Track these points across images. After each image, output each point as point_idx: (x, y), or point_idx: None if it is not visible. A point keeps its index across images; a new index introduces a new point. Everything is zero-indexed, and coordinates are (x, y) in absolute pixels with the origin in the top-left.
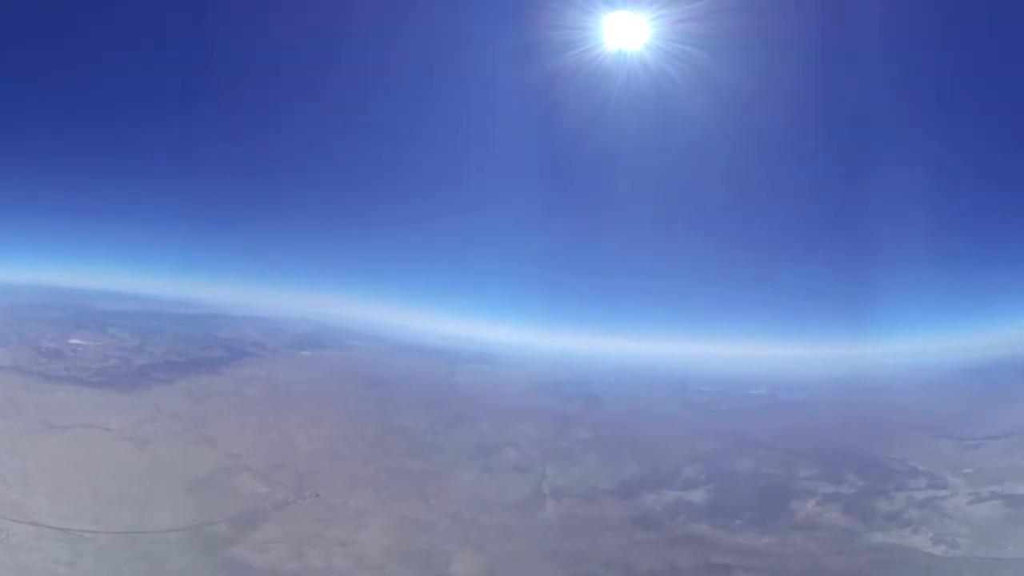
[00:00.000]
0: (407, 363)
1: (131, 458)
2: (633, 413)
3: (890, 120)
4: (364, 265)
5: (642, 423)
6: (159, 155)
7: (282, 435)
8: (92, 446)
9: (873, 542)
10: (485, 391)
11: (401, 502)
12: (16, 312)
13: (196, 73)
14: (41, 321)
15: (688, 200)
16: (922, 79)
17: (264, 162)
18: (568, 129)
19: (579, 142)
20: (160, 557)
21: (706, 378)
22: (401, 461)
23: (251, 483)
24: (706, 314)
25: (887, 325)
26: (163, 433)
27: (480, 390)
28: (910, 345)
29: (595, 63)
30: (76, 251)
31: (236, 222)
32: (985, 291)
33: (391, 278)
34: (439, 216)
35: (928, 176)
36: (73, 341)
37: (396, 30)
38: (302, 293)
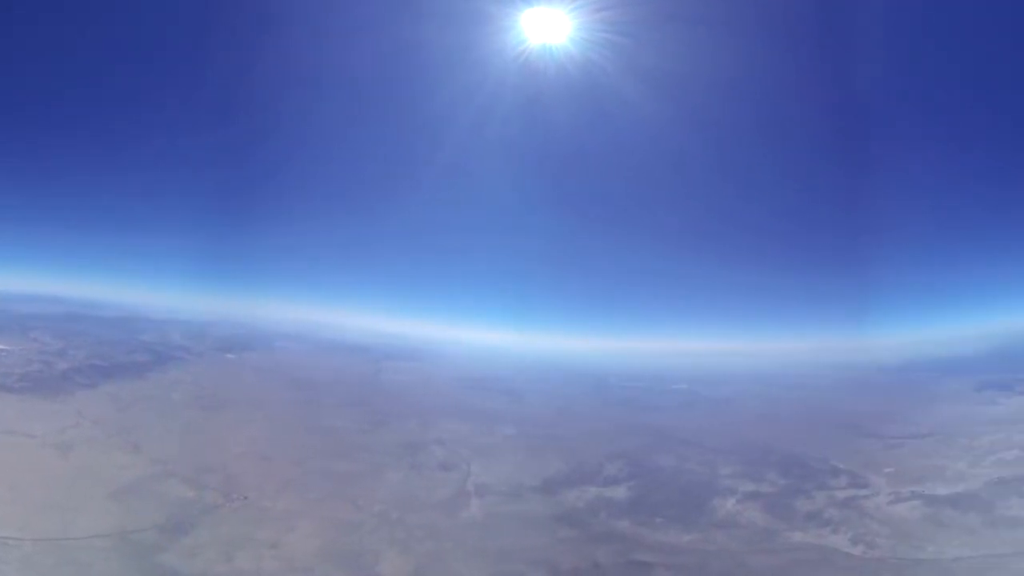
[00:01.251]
0: (333, 362)
1: (56, 465)
2: (556, 409)
3: (820, 108)
4: (286, 265)
5: (565, 419)
6: (75, 158)
7: (209, 439)
8: (16, 453)
9: (793, 541)
10: (411, 388)
11: (329, 503)
12: None
13: (106, 76)
14: None
15: (610, 195)
16: (845, 59)
17: (186, 163)
18: (491, 125)
19: (502, 138)
20: (86, 563)
21: (628, 373)
22: (329, 462)
23: (178, 488)
24: (628, 309)
25: (810, 323)
26: (88, 439)
27: (406, 388)
28: (833, 343)
29: (517, 59)
30: None
31: (157, 224)
32: (907, 290)
33: (315, 277)
34: (363, 214)
35: (853, 176)
36: None
37: (314, 30)
38: (226, 294)
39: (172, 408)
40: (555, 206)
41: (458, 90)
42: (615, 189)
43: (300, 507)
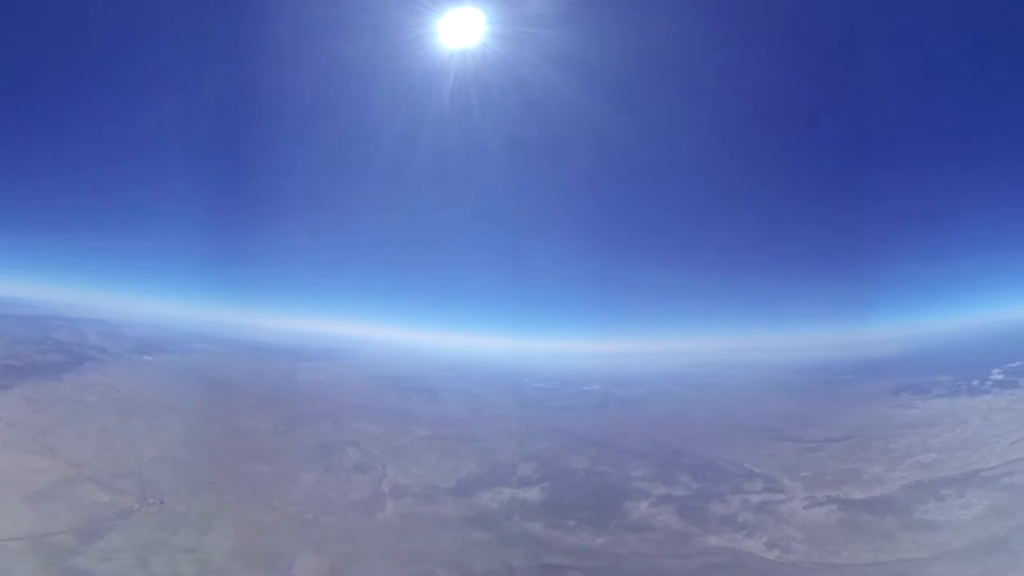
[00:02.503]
0: (249, 364)
1: None
2: (471, 409)
3: (736, 115)
4: (202, 265)
5: (480, 420)
6: None
7: (125, 442)
8: None
9: (707, 545)
10: (327, 389)
11: (245, 505)
12: None
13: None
14: None
15: (525, 197)
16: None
17: (99, 161)
18: (404, 128)
19: (415, 140)
20: (1, 567)
21: (542, 374)
22: (244, 464)
23: (94, 492)
24: (542, 309)
25: (725, 322)
26: (2, 442)
27: (322, 388)
28: (747, 343)
29: (434, 61)
30: None
31: (69, 221)
32: (824, 292)
33: (230, 278)
34: (276, 214)
35: (773, 173)
36: None
37: (221, 28)
38: (140, 295)
39: (88, 411)
40: (472, 206)
41: (378, 95)
42: (536, 188)
43: (215, 510)
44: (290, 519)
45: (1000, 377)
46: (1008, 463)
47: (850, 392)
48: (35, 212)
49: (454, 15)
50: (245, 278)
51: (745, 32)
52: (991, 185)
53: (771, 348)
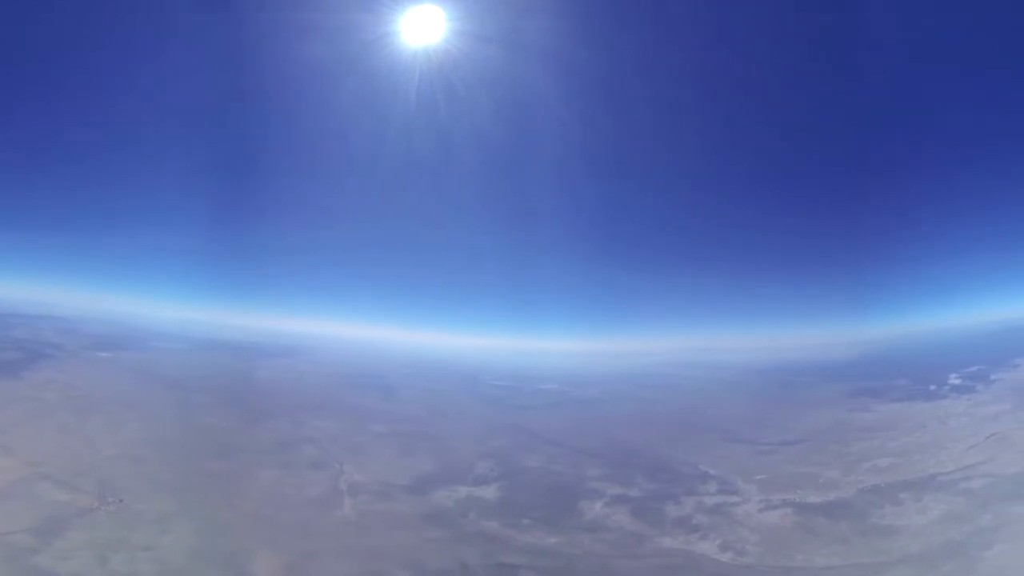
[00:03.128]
0: (208, 361)
1: None
2: (428, 407)
3: (694, 119)
4: (160, 263)
5: (437, 418)
6: None
7: (83, 441)
8: None
9: (660, 546)
10: (285, 386)
11: (203, 504)
12: None
13: None
14: None
15: (483, 194)
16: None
17: (52, 159)
18: (368, 126)
19: (378, 138)
20: None
21: (499, 371)
22: (203, 462)
23: (52, 491)
24: (501, 307)
25: (681, 322)
26: None
27: (280, 385)
28: (705, 343)
29: (396, 59)
30: None
31: (27, 219)
32: (783, 295)
33: (187, 275)
34: (234, 212)
35: (730, 174)
36: None
37: (188, 34)
38: (98, 292)
39: (46, 409)
40: (434, 204)
41: (342, 93)
42: (501, 185)
43: (174, 508)
44: (249, 517)
45: (957, 382)
46: (965, 468)
47: (807, 395)
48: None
49: (415, 13)
50: (203, 276)
51: (714, 27)
52: (952, 194)
53: (729, 349)
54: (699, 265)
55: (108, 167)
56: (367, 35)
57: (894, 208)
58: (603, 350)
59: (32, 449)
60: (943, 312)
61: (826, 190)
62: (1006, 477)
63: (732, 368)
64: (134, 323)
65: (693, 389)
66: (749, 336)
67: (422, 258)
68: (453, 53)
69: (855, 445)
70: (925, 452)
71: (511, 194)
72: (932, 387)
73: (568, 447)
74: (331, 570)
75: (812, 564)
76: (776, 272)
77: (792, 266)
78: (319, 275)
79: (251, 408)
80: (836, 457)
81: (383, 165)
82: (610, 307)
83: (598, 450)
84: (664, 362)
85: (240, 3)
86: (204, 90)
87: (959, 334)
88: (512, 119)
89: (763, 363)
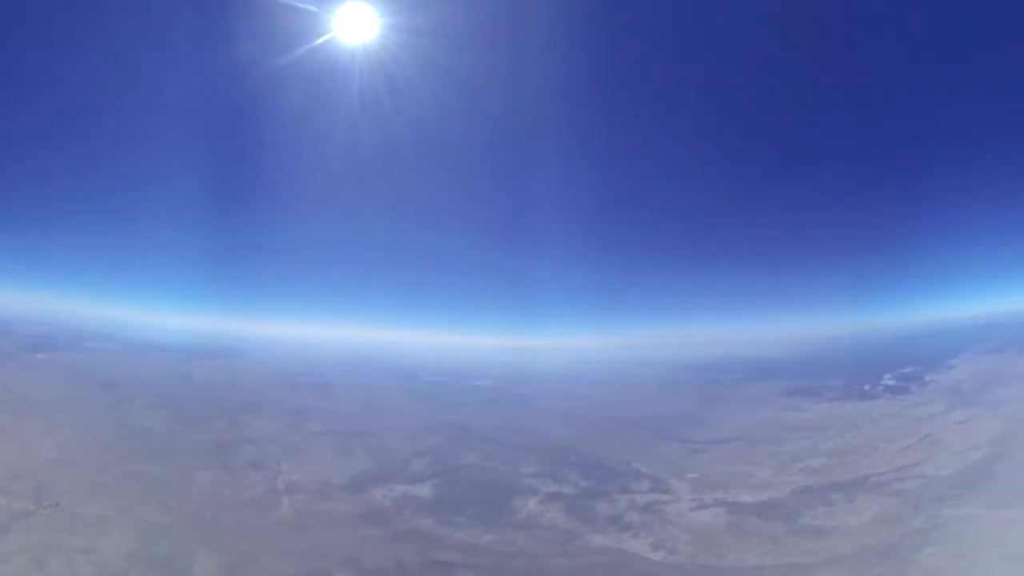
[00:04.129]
0: (145, 362)
1: None
2: (365, 405)
3: (616, 116)
4: (96, 262)
5: (373, 415)
6: None
7: (18, 444)
8: None
9: (593, 544)
10: (223, 387)
11: (142, 506)
12: None
13: None
14: None
15: (416, 191)
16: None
17: None
18: (299, 124)
19: (317, 137)
20: None
21: (435, 368)
22: (141, 464)
23: None
24: (437, 303)
25: (617, 319)
26: None
27: (217, 386)
28: (639, 340)
29: (327, 56)
30: None
31: None
32: (718, 289)
33: (124, 275)
34: (169, 212)
35: (665, 176)
36: None
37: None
38: (33, 291)
39: None
40: (360, 201)
41: (266, 87)
42: (427, 185)
43: (112, 511)
44: (188, 519)
45: (892, 383)
46: (898, 469)
47: (741, 392)
48: None
49: (346, 11)
50: (137, 276)
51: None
52: (888, 195)
53: (664, 346)
54: (633, 262)
55: (37, 166)
56: (299, 39)
57: (830, 206)
58: (537, 346)
59: None
60: (878, 312)
61: (762, 186)
62: (939, 479)
63: (666, 365)
64: (69, 323)
65: (627, 386)
66: (683, 333)
67: (355, 255)
68: (390, 49)
69: (788, 445)
70: (858, 453)
71: (449, 189)
72: (866, 387)
73: (503, 444)
74: (270, 570)
75: (744, 564)
76: (710, 268)
77: (727, 262)
78: (253, 274)
79: (188, 409)
80: (769, 456)
81: (319, 163)
82: (544, 303)
83: (532, 447)
84: (598, 359)
85: (169, 12)
86: (146, 94)
87: (894, 335)
88: (454, 112)
89: (697, 360)
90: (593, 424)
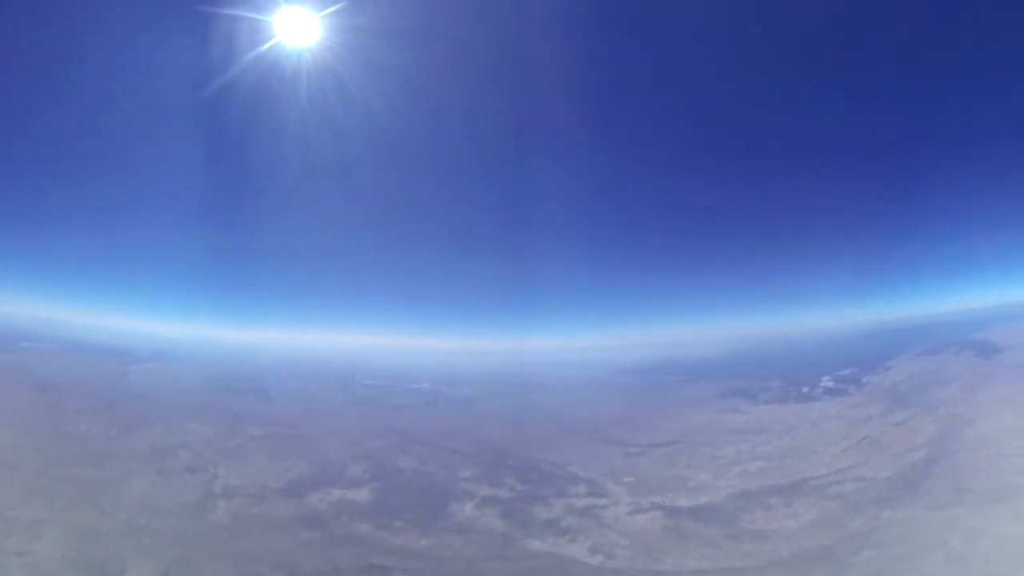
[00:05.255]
0: (80, 364)
1: None
2: (303, 408)
3: (564, 120)
4: (30, 262)
5: (311, 419)
6: None
7: None
8: None
9: (530, 549)
10: (159, 391)
11: (76, 511)
12: None
13: None
14: None
15: (354, 194)
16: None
17: None
18: (239, 127)
19: (250, 139)
20: None
21: (373, 371)
22: (75, 469)
23: None
24: (373, 305)
25: (555, 321)
26: None
27: (154, 390)
28: (577, 342)
29: (267, 61)
30: None
31: None
32: (652, 291)
33: (59, 275)
34: (106, 212)
35: (592, 173)
36: None
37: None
38: None
39: None
40: (298, 204)
41: (203, 91)
42: (363, 187)
43: (47, 515)
44: (122, 524)
45: (830, 384)
46: (837, 472)
47: (678, 395)
48: None
49: (285, 16)
50: (73, 275)
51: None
52: (825, 197)
53: (602, 349)
54: (571, 264)
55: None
56: (240, 47)
57: (768, 208)
58: (474, 348)
59: None
60: (815, 313)
61: (697, 189)
62: (878, 481)
63: (605, 368)
64: (2, 323)
65: (564, 388)
66: (620, 335)
67: (291, 259)
68: (333, 50)
69: (726, 448)
70: (797, 456)
71: (390, 190)
72: (804, 389)
73: (440, 447)
74: (206, 575)
75: (682, 568)
76: (648, 270)
77: (664, 265)
78: (189, 277)
79: (124, 413)
80: (707, 460)
81: (260, 166)
82: (481, 305)
83: (470, 451)
84: (536, 361)
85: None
86: (90, 103)
87: (831, 336)
88: (402, 109)
89: (634, 362)
90: (530, 427)
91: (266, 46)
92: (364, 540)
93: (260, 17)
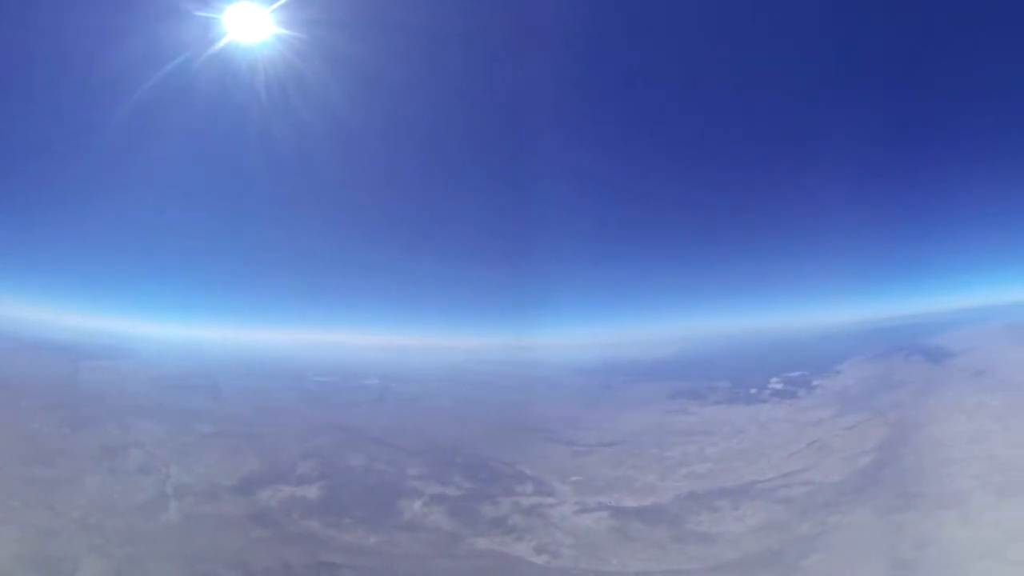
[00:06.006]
0: (29, 362)
1: None
2: (254, 406)
3: (519, 114)
4: None
5: (263, 416)
6: None
7: None
8: None
9: (477, 547)
10: (111, 389)
11: (27, 510)
12: None
13: None
14: None
15: (307, 190)
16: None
17: None
18: (191, 125)
19: (202, 137)
20: None
21: (324, 368)
22: (27, 468)
23: None
24: (324, 302)
25: (503, 319)
26: None
27: (106, 388)
28: (527, 340)
29: (220, 59)
30: None
31: None
32: (601, 291)
33: (6, 270)
34: (54, 207)
35: (554, 173)
36: None
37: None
38: None
39: None
40: (250, 200)
41: (151, 88)
42: (316, 183)
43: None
44: (74, 523)
45: (779, 386)
46: (785, 475)
47: (626, 395)
48: None
49: (235, 12)
50: (21, 270)
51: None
52: (776, 198)
53: (550, 347)
54: (519, 262)
55: None
56: (191, 47)
57: (717, 209)
58: (425, 345)
59: None
60: (765, 315)
61: (647, 187)
62: (827, 485)
63: (553, 366)
64: None
65: (514, 387)
66: (570, 334)
67: (244, 254)
68: (287, 45)
69: (673, 449)
70: (745, 458)
71: (342, 186)
72: (753, 391)
73: (390, 445)
74: (156, 574)
75: (626, 569)
76: (596, 269)
77: (611, 263)
78: (140, 273)
79: (76, 412)
80: (654, 461)
81: (210, 163)
82: (432, 301)
83: (418, 448)
84: (486, 359)
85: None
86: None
87: (781, 337)
88: (350, 105)
89: (584, 361)
90: (479, 425)
91: (218, 44)
92: (314, 537)
93: (210, 15)
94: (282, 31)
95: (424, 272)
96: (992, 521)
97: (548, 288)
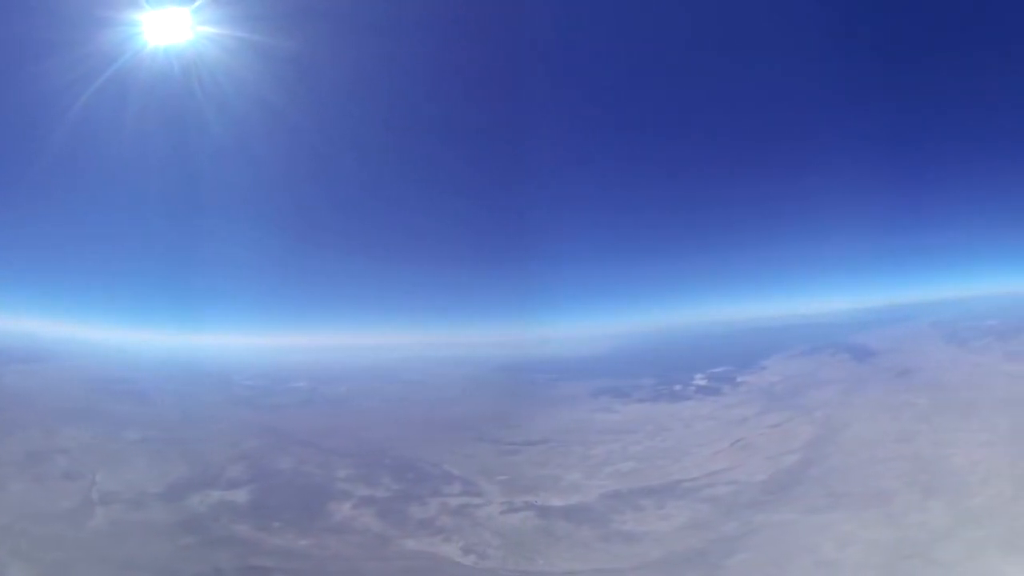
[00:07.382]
0: None
1: None
2: (181, 410)
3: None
4: None
5: (190, 421)
6: None
7: None
8: None
9: (405, 549)
10: (35, 393)
11: None
12: None
13: None
14: None
15: (226, 191)
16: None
17: None
18: (119, 127)
19: (124, 138)
20: None
21: (251, 370)
22: None
23: None
24: (249, 304)
25: (430, 317)
26: None
27: (30, 392)
28: (453, 338)
29: (140, 63)
30: None
31: None
32: (526, 289)
33: None
34: None
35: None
36: None
37: None
38: None
39: None
40: (172, 202)
41: (72, 90)
42: (230, 188)
43: None
44: None
45: (703, 383)
46: (709, 474)
47: (552, 393)
48: None
49: (155, 17)
50: None
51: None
52: (700, 196)
53: (474, 345)
54: (443, 260)
55: None
56: (114, 54)
57: (646, 205)
58: (351, 344)
59: None
60: (690, 310)
61: (570, 186)
62: (752, 484)
63: (480, 364)
64: None
65: (440, 386)
66: (496, 331)
67: (168, 256)
68: (211, 45)
69: (598, 447)
70: (669, 457)
71: (253, 192)
72: (677, 387)
73: (318, 447)
74: None
75: (553, 569)
76: (522, 266)
77: (538, 260)
78: (66, 275)
79: None
80: (579, 459)
81: (132, 164)
82: (356, 301)
83: (347, 450)
84: (413, 357)
85: None
86: None
87: (707, 332)
88: (245, 118)
89: (509, 359)
90: (406, 425)
91: (138, 48)
92: (244, 541)
93: (129, 19)
94: (205, 29)
95: (347, 271)
96: (918, 521)
97: (476, 284)
